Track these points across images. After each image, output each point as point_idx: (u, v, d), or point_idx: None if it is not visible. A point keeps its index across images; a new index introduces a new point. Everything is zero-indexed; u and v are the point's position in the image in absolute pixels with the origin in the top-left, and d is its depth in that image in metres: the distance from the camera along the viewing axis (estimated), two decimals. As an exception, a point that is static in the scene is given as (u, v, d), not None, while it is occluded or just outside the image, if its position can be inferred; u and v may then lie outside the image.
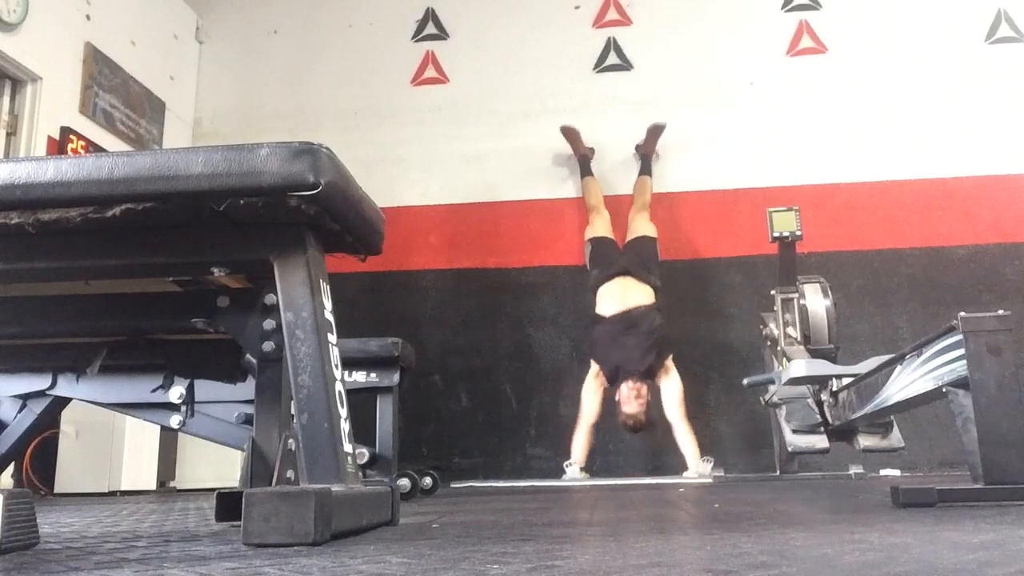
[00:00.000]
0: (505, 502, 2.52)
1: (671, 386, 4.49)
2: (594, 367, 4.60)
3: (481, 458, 5.01)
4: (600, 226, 5.01)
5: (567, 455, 4.58)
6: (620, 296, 4.64)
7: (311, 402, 1.36)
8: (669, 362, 4.54)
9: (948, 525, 1.29)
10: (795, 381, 3.21)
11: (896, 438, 3.37)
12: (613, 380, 4.52)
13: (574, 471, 4.53)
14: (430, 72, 5.73)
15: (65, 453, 4.04)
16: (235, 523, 1.42)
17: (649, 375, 4.48)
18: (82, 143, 4.61)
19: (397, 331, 3.24)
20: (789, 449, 3.55)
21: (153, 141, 5.33)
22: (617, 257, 4.82)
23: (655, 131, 5.30)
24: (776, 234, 3.87)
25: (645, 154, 5.31)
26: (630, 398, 4.39)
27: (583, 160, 5.32)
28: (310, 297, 1.40)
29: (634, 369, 4.43)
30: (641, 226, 4.96)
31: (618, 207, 5.19)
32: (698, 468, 4.37)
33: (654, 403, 4.45)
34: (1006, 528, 1.22)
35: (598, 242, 4.93)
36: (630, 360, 4.45)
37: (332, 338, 1.45)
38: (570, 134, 5.35)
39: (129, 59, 5.12)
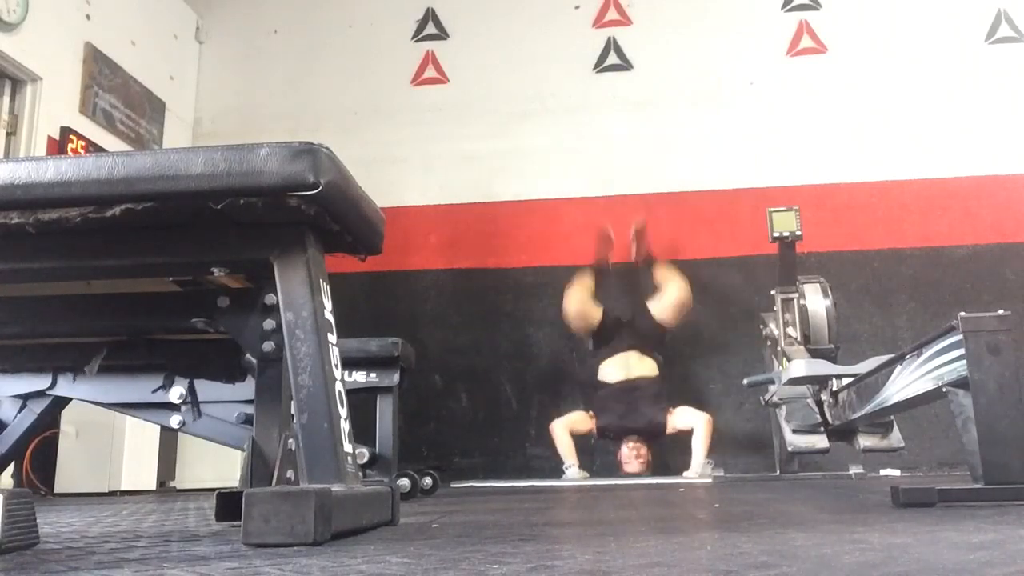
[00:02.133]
0: (505, 502, 2.52)
1: (699, 422, 4.51)
2: (583, 414, 4.66)
3: (481, 458, 5.01)
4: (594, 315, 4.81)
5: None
6: (623, 366, 4.67)
7: (311, 402, 1.36)
8: (687, 409, 4.58)
9: (948, 525, 1.29)
10: (795, 381, 3.21)
11: (896, 438, 3.37)
12: (607, 434, 4.58)
13: (574, 471, 4.54)
14: (430, 72, 5.73)
15: (65, 453, 4.04)
16: (235, 523, 1.42)
17: (652, 434, 4.53)
18: (82, 143, 4.61)
19: (397, 331, 3.24)
20: (789, 449, 3.55)
21: (153, 141, 5.33)
22: (621, 332, 4.78)
23: (640, 233, 5.03)
24: (776, 234, 3.87)
25: (645, 261, 5.04)
26: (631, 459, 4.50)
27: (598, 267, 5.00)
28: (310, 297, 1.40)
29: (638, 427, 4.48)
30: (660, 308, 4.79)
31: (619, 207, 5.20)
32: (698, 468, 4.39)
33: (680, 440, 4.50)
34: (1006, 528, 1.22)
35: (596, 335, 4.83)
36: (633, 418, 4.50)
37: (332, 338, 1.45)
38: (605, 242, 5.03)
39: (129, 59, 5.12)
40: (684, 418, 4.53)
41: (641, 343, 4.71)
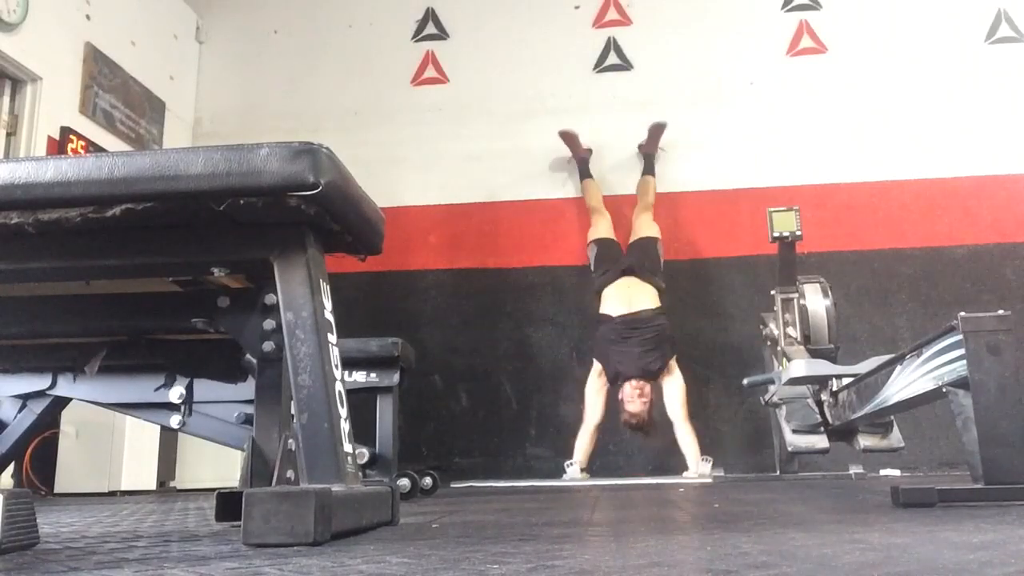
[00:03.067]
0: (505, 502, 2.52)
1: (674, 386, 4.49)
2: (597, 366, 4.61)
3: (481, 458, 5.01)
4: (603, 227, 5.01)
5: (567, 455, 4.58)
6: (625, 298, 4.64)
7: (311, 402, 1.36)
8: (672, 363, 4.54)
9: (948, 525, 1.29)
10: (795, 381, 3.21)
11: (896, 438, 3.37)
12: (614, 381, 4.52)
13: (574, 471, 4.53)
14: (430, 72, 5.73)
15: (65, 453, 4.04)
16: (235, 523, 1.42)
17: (652, 376, 4.49)
18: (82, 143, 4.61)
19: (397, 331, 3.24)
20: (789, 449, 3.55)
21: (153, 141, 5.33)
22: (621, 258, 4.82)
23: (657, 130, 5.29)
24: (776, 234, 3.87)
25: (648, 153, 5.31)
26: (633, 397, 4.40)
27: (582, 162, 5.32)
28: (310, 297, 1.40)
29: (637, 371, 4.44)
30: (645, 226, 4.95)
31: (620, 207, 5.19)
32: (698, 468, 4.38)
33: (656, 403, 4.46)
34: (1006, 528, 1.22)
35: (602, 243, 4.93)
36: (634, 362, 4.45)
37: (332, 338, 1.45)
38: (568, 138, 5.34)
39: (129, 59, 5.12)
40: (670, 385, 4.47)
41: (642, 268, 4.70)
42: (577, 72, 5.61)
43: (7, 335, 1.76)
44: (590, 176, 5.27)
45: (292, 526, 1.12)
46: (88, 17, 4.78)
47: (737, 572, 0.82)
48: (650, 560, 0.93)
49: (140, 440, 4.15)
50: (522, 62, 5.62)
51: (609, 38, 5.64)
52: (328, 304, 1.47)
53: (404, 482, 3.00)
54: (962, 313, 1.89)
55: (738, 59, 5.48)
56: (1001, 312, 1.87)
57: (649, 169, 5.27)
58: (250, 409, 1.77)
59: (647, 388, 4.42)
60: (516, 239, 5.36)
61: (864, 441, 3.40)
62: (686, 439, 4.44)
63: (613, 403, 4.53)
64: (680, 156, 5.36)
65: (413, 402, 4.62)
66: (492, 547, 1.10)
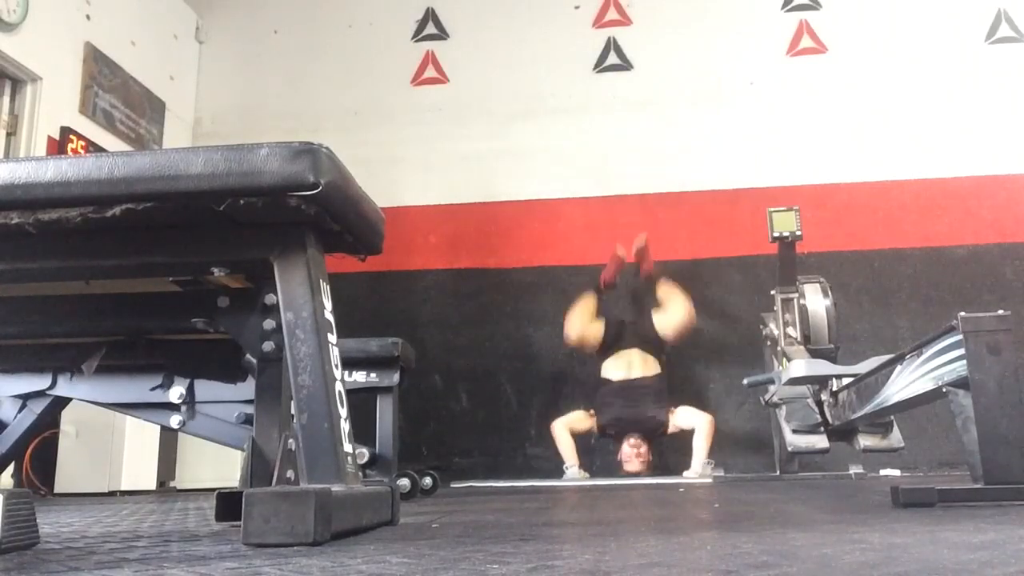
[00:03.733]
0: (505, 502, 2.52)
1: (701, 422, 4.51)
2: (582, 414, 4.67)
3: (481, 458, 5.01)
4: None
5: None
6: (626, 366, 4.67)
7: (311, 402, 1.36)
8: (688, 409, 4.59)
9: (948, 525, 1.29)
10: (795, 381, 3.21)
11: (896, 438, 3.37)
12: (607, 431, 4.58)
13: (574, 471, 4.54)
14: (430, 72, 5.73)
15: (65, 453, 4.04)
16: (235, 523, 1.42)
17: (653, 432, 4.53)
18: (82, 143, 4.61)
19: (397, 331, 3.24)
20: (789, 449, 3.55)
21: (153, 141, 5.33)
22: (624, 332, 4.78)
23: (641, 251, 4.92)
24: (776, 234, 3.87)
25: (647, 274, 4.97)
26: (631, 457, 4.49)
27: (605, 286, 4.90)
28: (310, 297, 1.40)
29: (639, 424, 4.48)
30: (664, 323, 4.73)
31: (619, 207, 5.19)
32: (699, 468, 4.39)
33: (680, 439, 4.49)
34: (1006, 528, 1.22)
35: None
36: (636, 414, 4.50)
37: (332, 338, 1.45)
38: (618, 261, 4.91)
39: (129, 59, 5.12)
40: (686, 418, 4.53)
41: (643, 344, 4.71)
42: (577, 72, 5.61)
43: (7, 335, 1.76)
44: (599, 296, 4.89)
45: (292, 526, 1.12)
46: (88, 17, 4.78)
47: (737, 572, 0.82)
48: (650, 560, 0.93)
49: (140, 440, 4.15)
50: (522, 62, 5.62)
51: (609, 38, 5.64)
52: (328, 304, 1.47)
53: (404, 482, 3.00)
54: (962, 313, 1.89)
55: (738, 59, 5.48)
56: (1001, 312, 1.87)
57: (655, 275, 4.90)
58: (250, 409, 1.77)
59: (644, 449, 4.49)
60: (516, 239, 5.36)
61: (864, 441, 3.41)
62: (700, 444, 4.46)
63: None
64: (680, 156, 5.36)
65: (413, 402, 4.62)
66: (492, 547, 1.10)
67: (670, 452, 4.64)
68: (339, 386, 1.42)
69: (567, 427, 4.64)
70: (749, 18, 5.55)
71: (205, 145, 1.41)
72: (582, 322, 4.76)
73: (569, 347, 4.87)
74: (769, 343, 4.25)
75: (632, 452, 4.47)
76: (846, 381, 3.08)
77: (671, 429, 4.54)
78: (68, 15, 4.63)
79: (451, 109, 5.62)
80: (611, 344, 4.75)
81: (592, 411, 4.66)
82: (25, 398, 1.94)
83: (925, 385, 2.12)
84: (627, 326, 4.79)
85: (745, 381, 3.83)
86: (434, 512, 2.01)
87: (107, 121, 4.89)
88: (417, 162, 5.56)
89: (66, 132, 4.52)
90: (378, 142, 5.52)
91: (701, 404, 4.75)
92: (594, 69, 5.62)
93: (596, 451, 4.83)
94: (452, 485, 4.19)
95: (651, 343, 4.72)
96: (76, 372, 1.86)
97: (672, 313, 4.70)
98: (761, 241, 4.13)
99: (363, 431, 2.77)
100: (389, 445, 2.96)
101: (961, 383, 1.90)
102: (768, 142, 5.31)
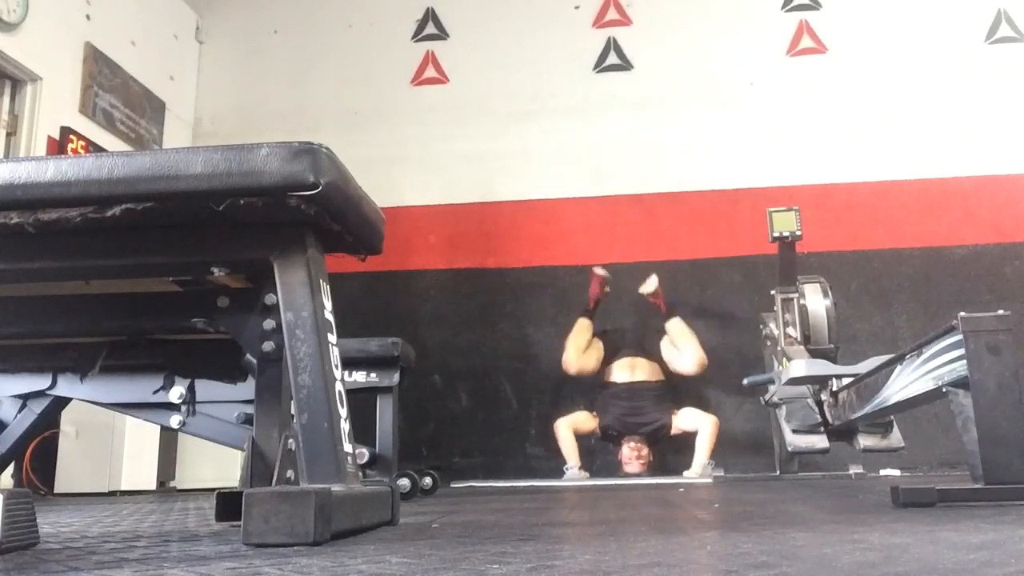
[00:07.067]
0: (505, 502, 2.52)
1: (704, 423, 4.52)
2: (586, 415, 4.67)
3: (481, 458, 5.01)
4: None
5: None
6: (629, 370, 4.68)
7: (311, 402, 1.36)
8: (692, 410, 4.60)
9: (948, 525, 1.29)
10: (795, 381, 3.21)
11: (896, 438, 3.37)
12: (608, 434, 4.60)
13: (574, 471, 4.55)
14: (430, 72, 5.73)
15: (65, 453, 4.04)
16: (235, 523, 1.42)
17: (655, 435, 4.54)
18: (82, 143, 4.61)
19: (397, 331, 3.24)
20: (789, 449, 3.55)
21: (153, 141, 5.33)
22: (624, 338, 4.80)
23: (653, 294, 4.83)
24: (776, 234, 3.87)
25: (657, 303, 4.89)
26: (631, 459, 4.50)
27: (595, 305, 4.87)
28: (310, 297, 1.40)
29: (641, 427, 4.48)
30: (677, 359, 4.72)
31: (619, 207, 5.19)
32: (699, 468, 4.39)
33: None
34: (1006, 528, 1.22)
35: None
36: (639, 417, 4.51)
37: (332, 338, 1.45)
38: (599, 280, 4.88)
39: (129, 59, 5.12)
40: (689, 419, 4.53)
41: (647, 352, 4.74)
42: (577, 72, 5.60)
43: (7, 335, 1.76)
44: (591, 317, 4.87)
45: (292, 526, 1.12)
46: (88, 17, 4.78)
47: (737, 572, 0.82)
48: (650, 560, 0.93)
49: (140, 440, 4.15)
50: (522, 62, 5.62)
51: (609, 38, 5.64)
52: (328, 304, 1.47)
53: (404, 482, 3.00)
54: (962, 313, 1.89)
55: (738, 59, 5.48)
56: (1001, 312, 1.87)
57: (669, 312, 4.80)
58: (250, 409, 1.77)
59: (644, 451, 4.50)
60: (516, 239, 5.36)
61: (864, 441, 3.41)
62: (703, 445, 4.46)
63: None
64: (680, 156, 5.36)
65: (413, 402, 4.62)
66: (492, 547, 1.10)
67: (670, 452, 4.64)
68: (339, 386, 1.42)
69: (570, 427, 4.64)
70: (749, 18, 5.55)
71: (205, 145, 1.41)
72: (578, 353, 4.75)
73: (568, 376, 4.84)
74: (769, 343, 4.25)
75: (632, 454, 4.48)
76: (846, 381, 3.08)
77: (675, 431, 4.54)
78: (68, 15, 4.63)
79: (451, 109, 5.62)
80: (613, 354, 4.76)
81: (594, 413, 4.67)
82: (25, 398, 1.93)
83: (925, 385, 2.12)
84: (627, 332, 4.80)
85: (745, 381, 3.84)
86: (434, 512, 2.01)
87: (107, 121, 4.89)
88: (417, 162, 5.56)
89: (66, 132, 4.52)
90: (378, 142, 5.52)
91: (702, 405, 4.75)
92: (594, 69, 5.61)
93: (596, 451, 4.83)
94: (452, 485, 4.20)
95: (654, 348, 4.74)
96: (77, 372, 1.86)
97: (686, 356, 4.67)
98: (761, 241, 4.13)
99: (363, 431, 2.78)
100: (389, 445, 2.96)
101: (961, 383, 1.90)
102: (768, 142, 5.31)
